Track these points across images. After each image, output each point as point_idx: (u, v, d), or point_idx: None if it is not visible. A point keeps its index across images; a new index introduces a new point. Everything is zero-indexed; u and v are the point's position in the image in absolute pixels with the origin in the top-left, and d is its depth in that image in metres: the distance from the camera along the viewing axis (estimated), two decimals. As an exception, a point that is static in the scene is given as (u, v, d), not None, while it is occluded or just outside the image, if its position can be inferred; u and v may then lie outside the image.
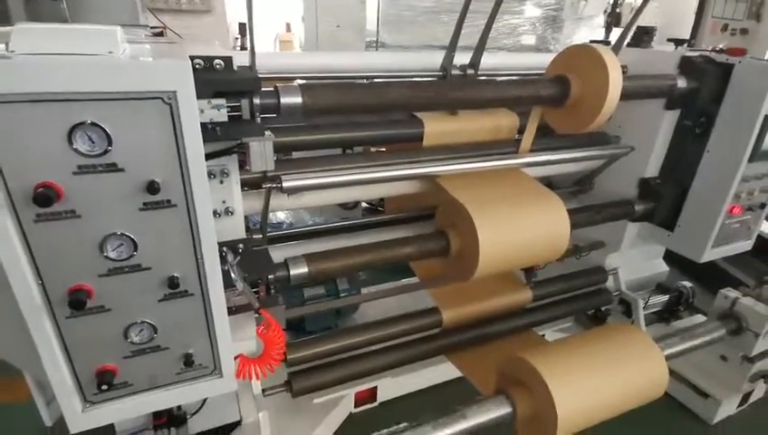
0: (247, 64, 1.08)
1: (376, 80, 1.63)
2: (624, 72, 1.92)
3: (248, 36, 1.09)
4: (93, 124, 0.68)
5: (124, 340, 0.86)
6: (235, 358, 1.06)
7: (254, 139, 0.96)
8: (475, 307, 1.79)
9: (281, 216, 3.78)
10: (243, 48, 6.21)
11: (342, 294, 2.11)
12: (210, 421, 1.52)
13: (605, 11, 3.82)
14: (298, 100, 1.06)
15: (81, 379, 0.85)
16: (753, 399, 1.93)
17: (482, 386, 1.56)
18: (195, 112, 0.75)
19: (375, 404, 1.94)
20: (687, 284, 2.28)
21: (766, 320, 1.63)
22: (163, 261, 0.83)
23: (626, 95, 1.62)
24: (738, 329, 1.69)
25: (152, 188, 0.74)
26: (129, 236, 0.78)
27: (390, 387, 1.92)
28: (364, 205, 3.07)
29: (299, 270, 1.29)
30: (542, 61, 1.69)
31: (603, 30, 4.03)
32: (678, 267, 2.80)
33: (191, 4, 4.49)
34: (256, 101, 0.97)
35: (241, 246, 1.21)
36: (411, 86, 1.28)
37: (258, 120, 0.98)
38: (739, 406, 1.90)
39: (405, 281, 2.25)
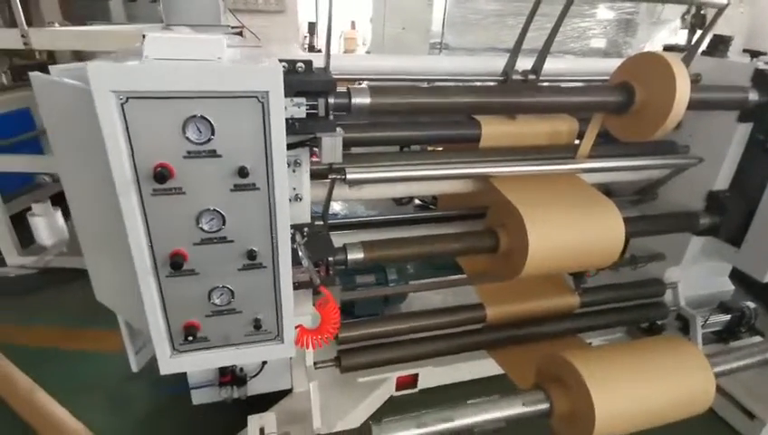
0: (322, 66, 1.20)
1: (438, 83, 1.72)
2: (697, 81, 1.89)
3: (326, 42, 1.21)
4: (202, 117, 0.83)
5: (207, 301, 1.01)
6: (295, 327, 1.19)
7: (327, 134, 1.08)
8: (519, 307, 1.83)
9: (336, 207, 3.97)
10: (310, 46, 6.49)
11: (391, 284, 2.21)
12: (265, 386, 1.68)
13: (683, 15, 3.63)
14: (367, 100, 1.17)
15: (173, 330, 1.02)
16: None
17: (521, 384, 1.61)
18: (281, 110, 0.87)
19: (415, 390, 2.03)
20: (751, 304, 2.17)
21: (828, 346, 1.55)
22: (245, 236, 0.97)
23: (695, 105, 1.59)
24: (800, 352, 1.61)
25: (242, 172, 0.88)
26: (220, 212, 0.92)
27: (431, 375, 2.00)
28: (417, 202, 3.16)
29: (356, 255, 1.40)
30: (607, 67, 1.69)
31: (682, 34, 3.83)
32: (744, 286, 2.65)
33: (267, 5, 4.76)
34: (331, 100, 1.09)
35: (306, 229, 1.35)
36: (470, 90, 1.35)
37: (331, 117, 1.10)
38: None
39: (451, 277, 2.31)
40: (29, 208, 2.68)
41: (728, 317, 2.16)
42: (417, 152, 1.89)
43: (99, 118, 0.77)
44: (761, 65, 1.69)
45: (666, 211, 1.96)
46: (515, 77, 1.66)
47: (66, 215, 2.76)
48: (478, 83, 1.69)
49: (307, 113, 1.03)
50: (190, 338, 1.00)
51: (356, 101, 1.15)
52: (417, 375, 2.02)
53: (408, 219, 2.04)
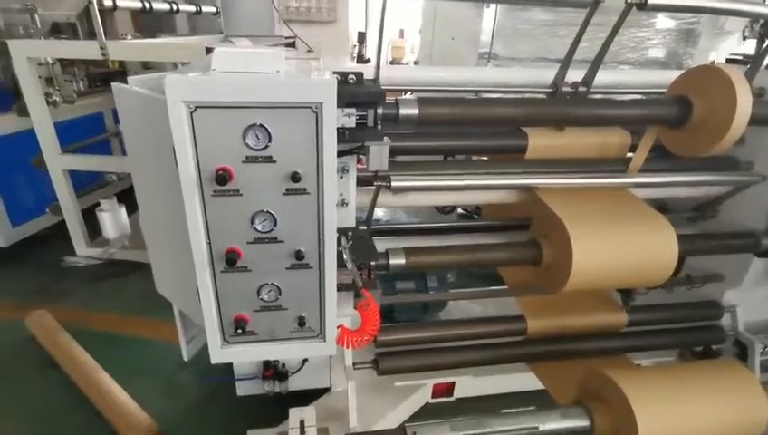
0: (372, 77, 1.25)
1: (485, 94, 1.73)
2: (761, 96, 1.79)
3: (376, 55, 1.26)
4: (261, 126, 0.90)
5: (257, 296, 1.08)
6: (337, 327, 1.24)
7: (375, 143, 1.12)
8: (562, 321, 1.80)
9: (378, 213, 4.03)
10: (359, 55, 6.64)
11: (431, 292, 2.23)
12: (305, 383, 1.74)
13: (744, 28, 3.43)
14: (415, 111, 1.20)
15: (224, 322, 1.09)
16: None
17: (560, 400, 1.58)
18: (334, 120, 0.93)
19: (451, 399, 2.03)
20: (819, 333, 2.01)
21: None
22: (294, 237, 1.03)
23: (758, 120, 1.53)
24: None
25: (295, 177, 0.94)
26: (273, 214, 0.99)
27: (469, 385, 2.00)
28: (460, 211, 3.15)
29: (398, 260, 1.43)
30: (661, 79, 1.64)
31: (751, 43, 3.61)
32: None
33: (319, 15, 4.93)
34: (379, 111, 1.13)
35: (350, 233, 1.40)
36: (516, 102, 1.36)
37: (379, 127, 1.14)
38: None
39: (492, 287, 2.30)
40: (98, 204, 2.92)
41: (792, 346, 2.02)
42: (461, 162, 1.89)
43: (171, 124, 0.85)
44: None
45: (725, 230, 1.85)
46: (565, 89, 1.65)
47: (129, 211, 2.98)
48: (527, 95, 1.69)
49: (357, 123, 1.08)
50: (239, 331, 1.07)
51: (404, 111, 1.19)
52: (453, 384, 2.02)
53: (451, 228, 2.05)
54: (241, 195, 0.96)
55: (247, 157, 0.92)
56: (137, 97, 1.06)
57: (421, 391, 1.96)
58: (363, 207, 1.57)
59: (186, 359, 1.60)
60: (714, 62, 2.25)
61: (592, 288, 1.52)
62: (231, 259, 0.98)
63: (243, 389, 1.62)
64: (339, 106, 1.04)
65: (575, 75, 1.63)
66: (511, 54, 3.63)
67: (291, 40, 4.12)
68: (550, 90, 1.66)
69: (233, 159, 0.92)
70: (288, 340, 1.17)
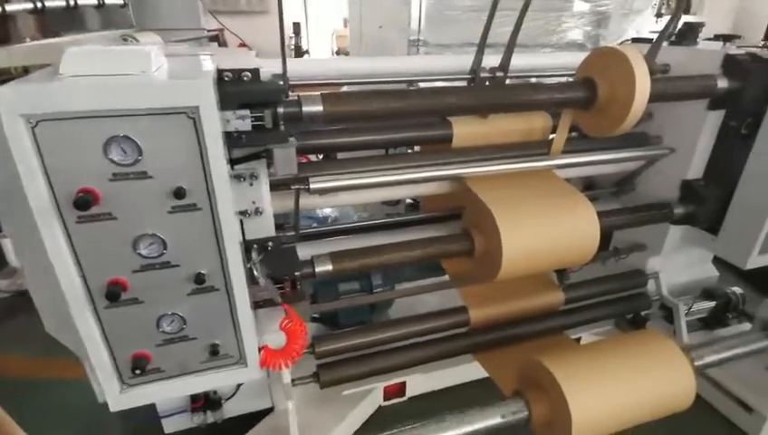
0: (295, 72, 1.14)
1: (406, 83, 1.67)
2: (665, 72, 1.86)
3: (281, 48, 1.15)
4: (125, 137, 0.77)
5: (156, 329, 0.95)
6: (260, 349, 1.14)
7: (278, 145, 1.02)
8: (504, 308, 1.79)
9: (327, 211, 3.90)
10: (296, 47, 6.40)
11: (376, 290, 2.16)
12: (245, 407, 1.63)
13: (654, 4, 3.62)
14: (319, 108, 1.11)
15: (119, 363, 0.96)
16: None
17: (505, 387, 1.56)
18: (216, 125, 0.82)
19: (404, 399, 1.98)
20: (737, 290, 2.15)
21: (817, 333, 1.52)
22: (190, 259, 0.91)
23: (661, 97, 1.56)
24: (786, 340, 1.58)
25: (179, 193, 0.82)
26: (160, 237, 0.87)
27: (420, 382, 1.96)
28: (408, 201, 3.11)
29: (324, 268, 1.34)
30: (575, 61, 1.66)
31: (663, 22, 3.81)
32: (734, 272, 2.62)
33: (249, 5, 4.65)
34: (280, 110, 1.03)
35: (270, 243, 1.30)
36: (432, 93, 1.30)
37: (282, 127, 1.04)
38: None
39: (441, 278, 2.27)
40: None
41: (713, 304, 2.15)
42: (389, 156, 1.83)
43: (9, 144, 0.71)
44: (732, 50, 1.66)
45: (645, 202, 1.92)
46: (483, 75, 1.63)
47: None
48: (448, 83, 1.64)
49: (254, 125, 0.98)
50: (137, 371, 0.94)
51: (307, 109, 1.09)
52: (404, 383, 1.97)
53: (391, 223, 2.00)
54: (115, 218, 0.83)
55: (115, 174, 0.79)
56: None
57: (372, 395, 1.89)
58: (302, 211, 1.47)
59: (101, 400, 1.43)
60: (629, 41, 2.32)
61: (524, 274, 1.50)
62: (113, 293, 0.85)
63: (171, 425, 1.48)
64: (229, 108, 0.94)
65: (497, 60, 1.61)
66: (440, 41, 3.62)
67: (214, 33, 3.87)
68: (469, 76, 1.63)
69: (96, 178, 0.79)
70: (203, 371, 1.05)
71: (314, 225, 2.29)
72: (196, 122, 0.79)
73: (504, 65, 1.62)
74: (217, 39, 3.92)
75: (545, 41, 3.59)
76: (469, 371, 2.00)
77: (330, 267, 1.35)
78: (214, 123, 0.81)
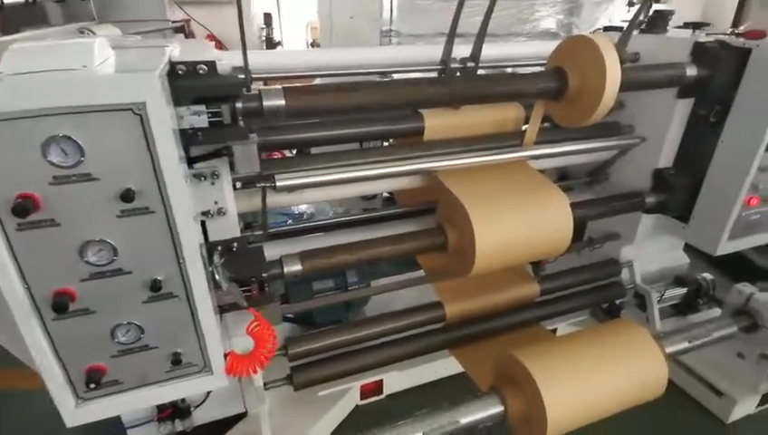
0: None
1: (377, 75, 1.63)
2: (636, 61, 1.86)
3: (241, 39, 1.09)
4: (65, 137, 0.71)
5: (111, 340, 0.90)
6: (227, 355, 1.09)
7: (238, 142, 0.97)
8: (479, 302, 1.78)
9: (303, 207, 3.83)
10: (267, 39, 6.22)
11: (351, 288, 2.12)
12: (216, 413, 1.58)
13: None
14: (281, 102, 1.06)
15: (72, 376, 0.90)
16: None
17: (481, 383, 1.55)
18: (167, 122, 0.77)
19: (382, 397, 1.96)
20: (708, 276, 2.19)
21: (784, 317, 1.55)
22: (145, 265, 0.86)
23: (632, 85, 1.55)
24: (753, 326, 1.62)
25: (127, 196, 0.77)
26: (109, 242, 0.81)
27: (396, 380, 1.94)
28: (385, 195, 3.06)
29: (293, 267, 1.30)
30: (547, 50, 1.64)
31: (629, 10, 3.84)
32: (705, 258, 2.68)
33: (217, -6, 4.46)
34: (239, 105, 0.98)
35: (235, 244, 1.25)
36: (398, 85, 1.27)
37: (241, 123, 0.99)
38: (760, 405, 1.83)
39: (418, 273, 2.24)
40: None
41: (684, 290, 2.19)
42: (362, 150, 1.78)
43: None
44: (701, 38, 1.67)
45: (618, 191, 1.93)
46: (454, 65, 1.60)
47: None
48: (415, 76, 1.61)
49: (211, 121, 0.92)
50: (92, 385, 0.89)
51: (268, 103, 1.04)
52: (381, 381, 1.95)
53: (366, 219, 1.96)
54: (58, 224, 0.77)
55: (56, 177, 0.74)
56: None
57: (348, 395, 1.87)
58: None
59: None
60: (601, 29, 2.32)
61: (499, 267, 1.49)
62: (60, 304, 0.79)
63: (138, 435, 1.42)
64: (182, 103, 0.88)
65: (469, 50, 1.57)
66: (413, 31, 3.57)
67: (179, 24, 3.72)
68: (439, 67, 1.60)
69: (36, 182, 0.73)
70: (166, 381, 1.00)
71: (289, 222, 2.25)
72: (143, 119, 0.74)
73: (476, 55, 1.59)
74: (183, 30, 3.77)
75: (518, 30, 3.58)
76: (447, 366, 2.00)
77: (299, 267, 1.31)
78: (163, 120, 0.75)
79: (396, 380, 1.93)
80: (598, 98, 1.32)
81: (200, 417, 1.54)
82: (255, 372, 1.16)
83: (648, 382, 1.22)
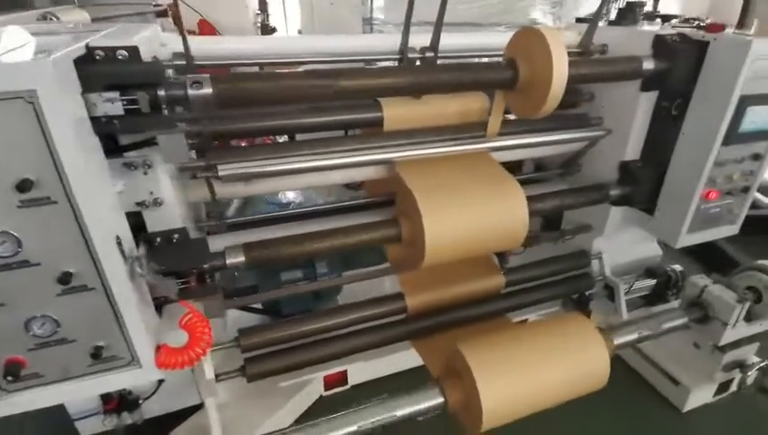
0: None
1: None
2: (604, 52, 1.84)
3: (176, 23, 1.07)
4: (-53, 127, 0.69)
5: (26, 333, 0.88)
6: (159, 348, 1.08)
7: (160, 131, 0.95)
8: (442, 293, 1.77)
9: (290, 195, 3.79)
10: (263, 25, 6.09)
11: (321, 278, 2.10)
12: (169, 405, 1.57)
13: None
14: (208, 91, 1.02)
15: (-9, 368, 0.88)
16: (735, 388, 1.83)
17: (436, 374, 1.55)
18: (65, 110, 0.74)
19: (347, 387, 1.96)
20: (678, 267, 2.18)
21: (733, 309, 1.54)
22: (53, 257, 0.84)
23: (586, 78, 1.55)
24: (705, 317, 1.61)
25: (23, 186, 0.74)
26: (12, 234, 0.79)
27: (361, 370, 1.93)
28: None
29: (236, 259, 1.28)
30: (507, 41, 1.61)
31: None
32: (685, 250, 2.67)
33: (210, -23, 4.32)
34: (161, 92, 0.95)
35: (176, 235, 1.23)
36: (341, 75, 1.23)
37: (165, 111, 0.96)
38: (718, 394, 1.83)
39: (381, 266, 2.22)
40: None
41: (654, 282, 2.18)
42: (320, 140, 1.75)
43: None
44: (663, 31, 1.64)
45: (588, 183, 1.91)
46: (412, 55, 1.57)
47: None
48: (371, 65, 1.58)
49: (127, 109, 0.89)
50: (10, 378, 0.87)
51: (194, 92, 1.01)
52: (345, 372, 1.94)
53: (331, 209, 1.94)
54: (-49, 217, 0.75)
55: (-55, 167, 0.71)
56: None
57: (311, 386, 1.86)
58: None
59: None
60: (575, 20, 2.28)
61: (452, 260, 1.48)
62: (-38, 297, 0.78)
63: (86, 428, 1.41)
64: (94, 90, 0.85)
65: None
66: (396, 20, 3.52)
67: (161, 8, 3.63)
68: (398, 56, 1.57)
69: None
70: (91, 374, 0.99)
71: (274, 210, 2.19)
72: (36, 107, 0.71)
73: (434, 45, 1.57)
74: (165, 14, 3.67)
75: (500, 20, 3.53)
76: (415, 357, 1.98)
77: (242, 259, 1.29)
78: (59, 108, 0.73)
79: (360, 370, 1.92)
80: (547, 90, 1.29)
81: (153, 409, 1.53)
82: (190, 365, 1.15)
83: (589, 375, 1.22)
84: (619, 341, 1.39)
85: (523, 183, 2.16)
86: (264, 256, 1.33)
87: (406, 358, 2.01)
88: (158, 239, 1.19)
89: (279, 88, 1.12)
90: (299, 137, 1.64)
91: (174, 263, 1.10)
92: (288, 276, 2.09)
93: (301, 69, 1.59)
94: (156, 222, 1.19)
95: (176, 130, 0.97)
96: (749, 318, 1.65)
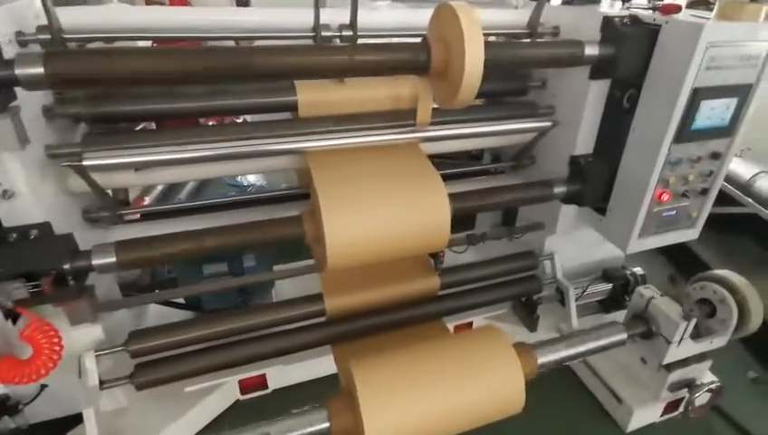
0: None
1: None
2: (556, 34, 1.67)
3: None
4: None
5: None
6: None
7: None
8: (367, 295, 1.62)
9: (251, 178, 3.59)
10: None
11: (249, 272, 1.97)
12: (56, 411, 1.46)
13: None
14: (38, 70, 0.86)
15: None
16: (682, 409, 1.70)
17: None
18: None
19: (267, 391, 1.83)
20: (638, 271, 2.05)
21: (677, 326, 1.40)
22: None
23: (518, 62, 1.41)
24: (648, 333, 1.48)
25: None
26: None
27: (281, 374, 1.80)
28: None
29: (104, 260, 1.14)
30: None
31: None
32: (662, 250, 2.50)
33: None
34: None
35: (35, 231, 1.09)
36: (202, 54, 1.06)
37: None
38: (668, 413, 1.70)
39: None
40: None
41: (610, 286, 2.04)
42: (225, 126, 1.59)
43: None
44: (611, 12, 1.47)
45: (543, 177, 1.75)
46: (328, 33, 1.40)
47: None
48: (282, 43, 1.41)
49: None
50: None
51: (22, 71, 0.85)
52: (264, 376, 1.81)
53: (249, 200, 1.80)
54: None
55: None
56: None
57: (222, 390, 1.72)
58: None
59: None
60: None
61: (362, 263, 1.33)
62: None
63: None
64: None
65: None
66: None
67: None
68: (310, 34, 1.40)
69: None
70: None
71: (232, 194, 2.01)
72: None
73: (353, 22, 1.40)
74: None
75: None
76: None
77: (112, 259, 1.15)
78: None
79: (280, 374, 1.79)
80: (461, 75, 1.12)
81: (38, 413, 1.42)
82: (38, 379, 1.03)
83: (499, 399, 1.08)
84: (543, 359, 1.25)
85: (468, 175, 2.05)
86: (138, 256, 1.18)
87: (328, 363, 1.89)
88: (14, 235, 1.05)
89: (126, 65, 0.94)
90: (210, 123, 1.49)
91: (20, 263, 0.96)
92: (211, 270, 1.94)
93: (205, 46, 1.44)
94: (8, 216, 1.04)
95: (5, 114, 0.82)
96: (697, 335, 1.51)
